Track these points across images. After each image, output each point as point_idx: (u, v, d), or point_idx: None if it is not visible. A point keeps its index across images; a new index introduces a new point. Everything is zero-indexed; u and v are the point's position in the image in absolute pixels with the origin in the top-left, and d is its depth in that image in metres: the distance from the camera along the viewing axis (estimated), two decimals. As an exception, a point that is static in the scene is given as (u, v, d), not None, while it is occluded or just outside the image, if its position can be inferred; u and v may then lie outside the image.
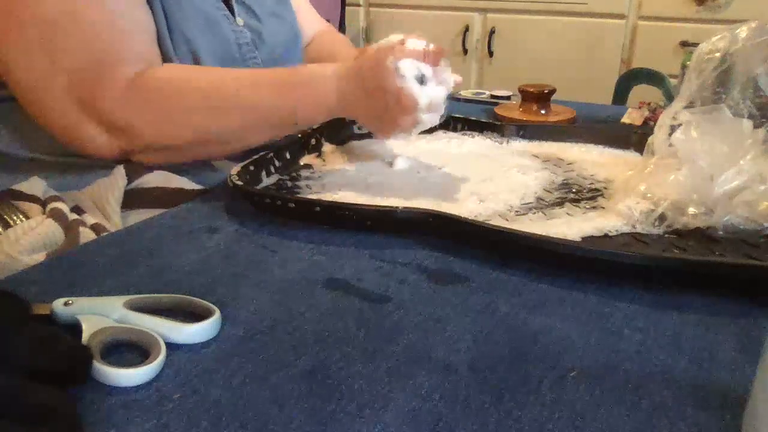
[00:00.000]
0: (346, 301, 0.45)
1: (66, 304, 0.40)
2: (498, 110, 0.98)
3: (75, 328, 0.39)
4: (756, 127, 0.58)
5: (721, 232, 0.54)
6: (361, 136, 0.83)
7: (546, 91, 0.96)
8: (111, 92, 0.62)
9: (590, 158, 0.76)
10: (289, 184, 0.67)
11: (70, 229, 0.58)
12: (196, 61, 0.70)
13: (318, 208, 0.57)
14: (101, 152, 0.66)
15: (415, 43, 0.64)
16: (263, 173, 0.67)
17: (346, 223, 0.56)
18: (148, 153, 0.67)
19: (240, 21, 0.78)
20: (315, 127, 0.78)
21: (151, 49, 0.66)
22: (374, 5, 2.43)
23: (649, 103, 0.98)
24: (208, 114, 0.65)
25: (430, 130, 0.84)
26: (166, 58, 0.68)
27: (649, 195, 0.58)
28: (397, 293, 0.46)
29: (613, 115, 0.99)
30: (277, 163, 0.69)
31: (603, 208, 0.60)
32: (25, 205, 0.61)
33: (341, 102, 0.65)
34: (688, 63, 0.65)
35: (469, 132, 0.84)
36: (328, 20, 1.09)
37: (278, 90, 0.66)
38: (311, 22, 0.99)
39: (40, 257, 0.54)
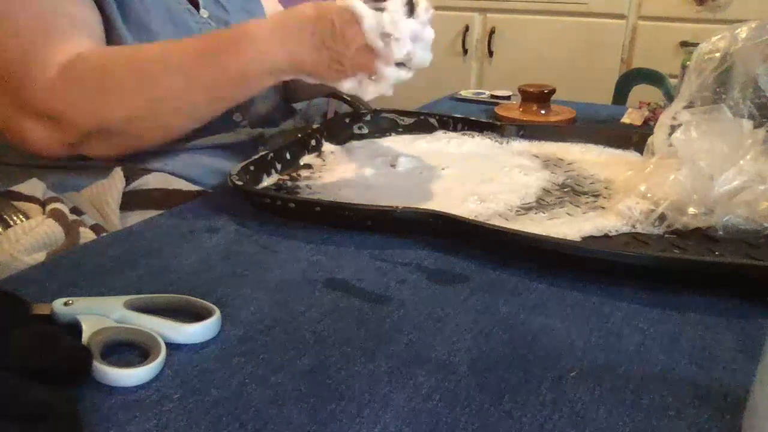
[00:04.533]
0: (346, 301, 0.45)
1: (66, 304, 0.40)
2: (498, 110, 0.98)
3: (75, 328, 0.39)
4: (756, 127, 0.58)
5: (721, 232, 0.54)
6: (361, 136, 0.83)
7: (546, 91, 0.96)
8: (39, 82, 0.61)
9: (590, 158, 0.76)
10: (289, 184, 0.67)
11: (70, 229, 0.58)
12: None
13: (318, 208, 0.57)
14: (43, 147, 0.64)
15: None
16: (263, 173, 0.67)
17: (346, 223, 0.56)
18: (91, 142, 0.64)
19: (204, 13, 0.77)
20: (315, 126, 0.78)
21: (86, 42, 0.64)
22: (374, 5, 2.43)
23: (649, 103, 0.98)
24: (136, 84, 0.62)
25: (430, 130, 0.85)
26: None
27: (649, 195, 0.58)
28: (397, 293, 0.46)
29: (613, 115, 0.99)
30: (277, 164, 0.69)
31: (603, 208, 0.60)
32: (25, 206, 0.61)
33: (281, 41, 0.61)
34: (688, 63, 0.65)
35: (469, 132, 0.84)
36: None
37: (203, 45, 0.63)
38: None
39: (40, 257, 0.54)
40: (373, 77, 0.61)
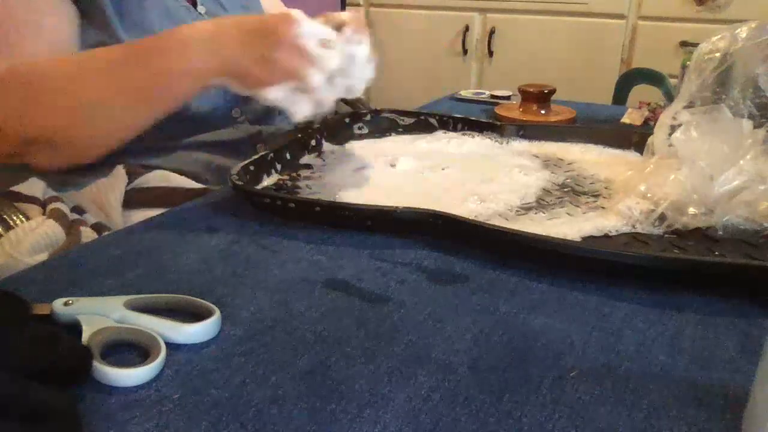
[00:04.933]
0: (346, 301, 0.45)
1: (66, 304, 0.40)
2: (498, 110, 0.98)
3: (75, 328, 0.39)
4: (756, 127, 0.58)
5: (721, 232, 0.54)
6: (361, 136, 0.83)
7: (546, 91, 0.96)
8: None
9: (590, 158, 0.76)
10: (289, 184, 0.67)
11: (71, 229, 0.58)
12: None
13: (318, 208, 0.57)
14: None
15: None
16: (263, 173, 0.67)
17: (346, 223, 0.56)
18: (29, 153, 0.64)
19: (202, 9, 0.77)
20: (315, 126, 0.78)
21: (43, 50, 0.63)
22: (375, 5, 2.43)
23: (649, 103, 0.98)
24: (61, 91, 0.61)
25: (430, 130, 0.85)
26: None
27: (649, 195, 0.58)
28: (397, 293, 0.46)
29: (613, 115, 0.99)
30: (277, 164, 0.69)
31: (603, 208, 0.60)
32: (25, 206, 0.61)
33: (209, 39, 0.59)
34: (688, 63, 0.65)
35: (469, 132, 0.84)
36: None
37: (131, 47, 0.62)
38: None
39: (42, 258, 0.54)
40: (301, 86, 0.58)
